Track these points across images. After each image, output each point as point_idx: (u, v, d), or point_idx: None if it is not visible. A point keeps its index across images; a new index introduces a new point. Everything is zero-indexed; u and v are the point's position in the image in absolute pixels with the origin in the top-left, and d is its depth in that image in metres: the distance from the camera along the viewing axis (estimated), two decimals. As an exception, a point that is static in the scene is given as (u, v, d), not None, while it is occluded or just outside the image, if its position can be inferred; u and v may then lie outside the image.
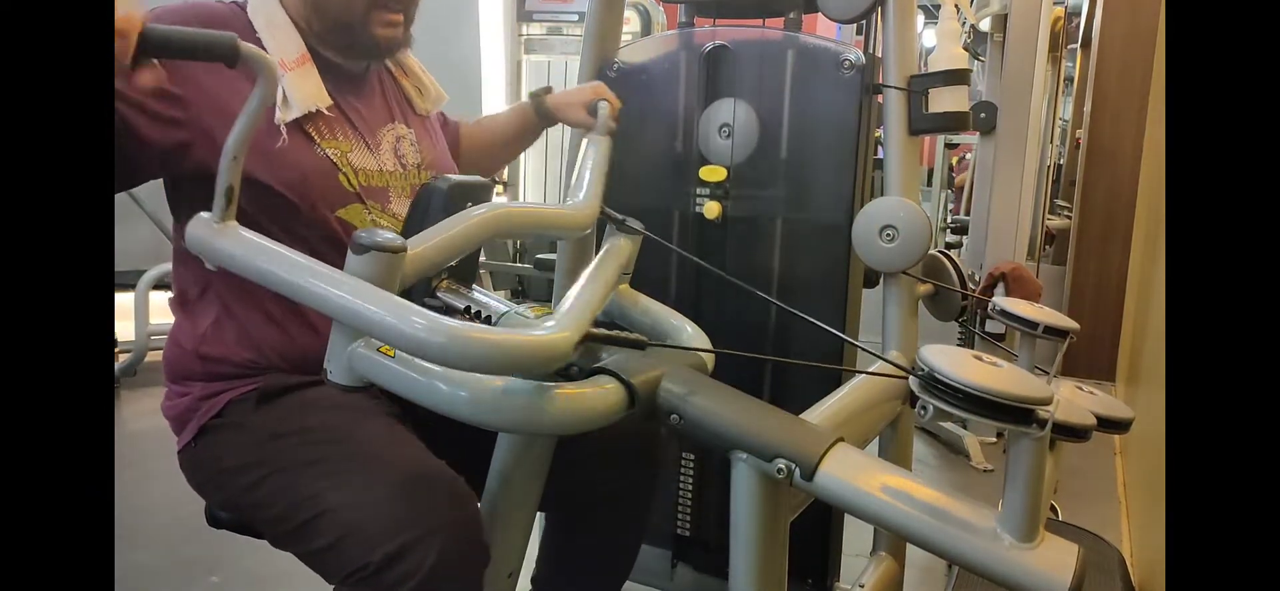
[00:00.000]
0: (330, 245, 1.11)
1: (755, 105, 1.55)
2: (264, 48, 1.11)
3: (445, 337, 0.73)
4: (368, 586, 0.93)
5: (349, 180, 1.15)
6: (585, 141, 1.31)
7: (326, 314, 0.79)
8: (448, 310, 1.01)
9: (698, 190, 1.59)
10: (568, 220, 1.12)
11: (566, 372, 0.93)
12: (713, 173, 1.57)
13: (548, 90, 1.50)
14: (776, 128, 1.54)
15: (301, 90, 1.12)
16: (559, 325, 0.80)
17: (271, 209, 1.09)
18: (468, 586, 0.97)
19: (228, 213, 0.85)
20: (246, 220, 0.89)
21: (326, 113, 1.14)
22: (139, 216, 4.21)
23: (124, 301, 3.32)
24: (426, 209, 1.03)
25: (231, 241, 0.84)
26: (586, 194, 1.15)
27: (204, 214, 0.86)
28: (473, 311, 1.01)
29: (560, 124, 1.49)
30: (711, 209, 1.56)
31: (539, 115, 1.50)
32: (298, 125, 1.13)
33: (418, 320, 0.74)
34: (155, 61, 0.82)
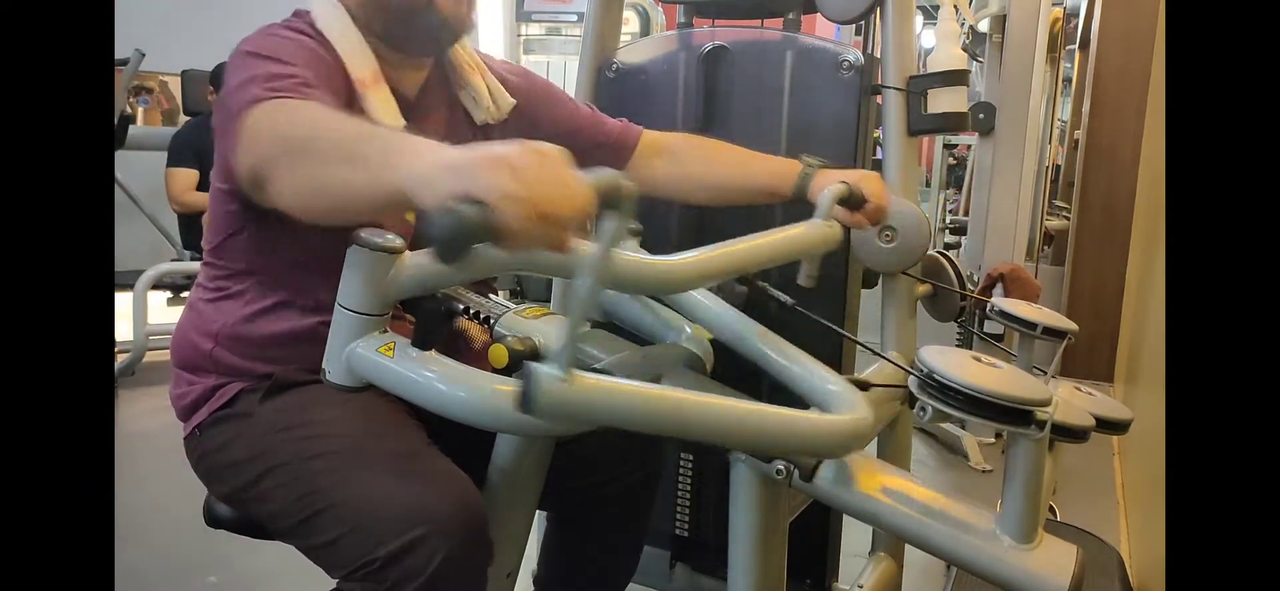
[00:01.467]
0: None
1: (754, 107, 1.55)
2: (345, 65, 1.07)
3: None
4: (372, 582, 0.93)
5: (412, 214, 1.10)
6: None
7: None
8: (449, 312, 1.01)
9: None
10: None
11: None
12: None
13: (826, 164, 1.30)
14: (775, 129, 1.54)
15: (382, 108, 1.08)
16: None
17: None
18: (473, 583, 0.97)
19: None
20: (304, 246, 0.90)
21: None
22: (138, 216, 4.22)
23: (123, 301, 3.32)
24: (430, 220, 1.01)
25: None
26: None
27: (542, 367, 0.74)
28: (472, 311, 1.02)
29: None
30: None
31: (795, 193, 1.28)
32: None
33: None
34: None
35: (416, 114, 1.16)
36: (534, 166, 0.66)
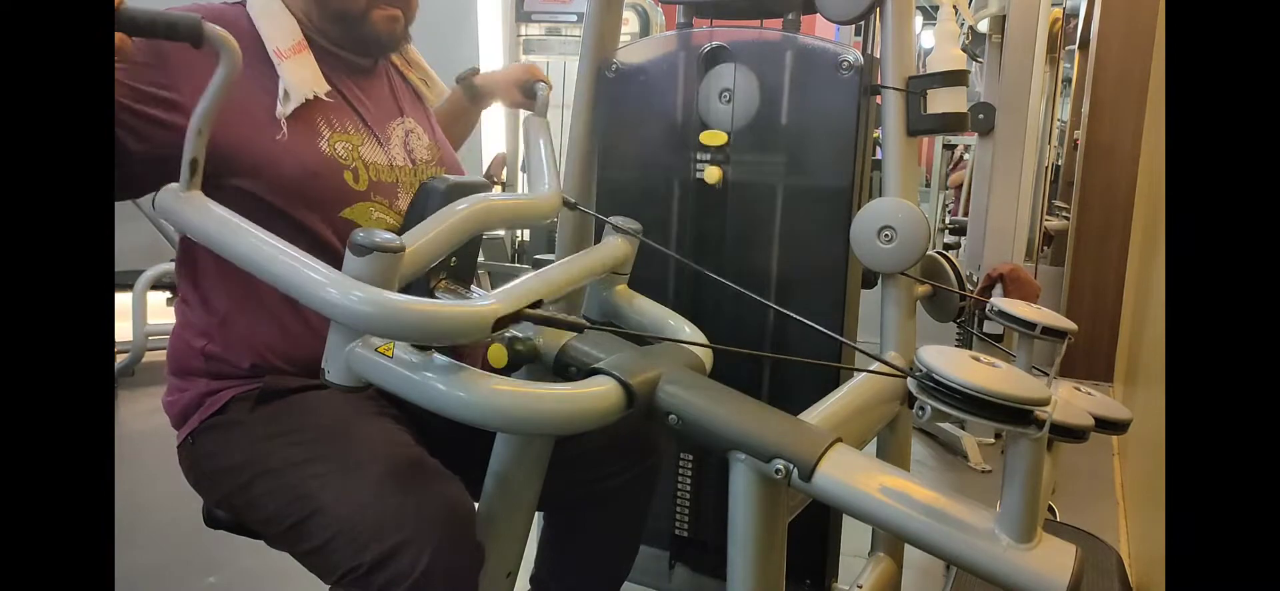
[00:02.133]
0: (331, 247, 1.11)
1: (754, 100, 1.55)
2: (262, 39, 1.12)
3: (375, 307, 0.76)
4: (360, 586, 0.93)
5: (356, 176, 1.14)
6: (525, 125, 1.29)
7: (276, 285, 0.81)
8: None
9: (696, 168, 1.59)
10: (537, 208, 1.14)
11: (565, 373, 0.93)
12: (713, 138, 1.57)
13: (475, 71, 1.50)
14: (774, 129, 1.54)
15: (298, 76, 1.12)
16: (490, 299, 0.85)
17: (270, 209, 1.08)
18: (461, 587, 0.97)
19: (193, 183, 0.88)
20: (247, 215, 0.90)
21: (328, 101, 1.14)
22: (137, 216, 4.21)
23: (122, 301, 3.32)
24: (423, 208, 1.03)
25: (195, 210, 0.87)
26: (548, 180, 1.17)
27: (172, 184, 0.89)
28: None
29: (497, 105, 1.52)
30: (712, 174, 1.57)
31: (469, 98, 1.49)
32: (303, 119, 1.12)
33: (356, 293, 0.77)
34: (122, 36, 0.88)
35: (370, 85, 1.24)
36: None
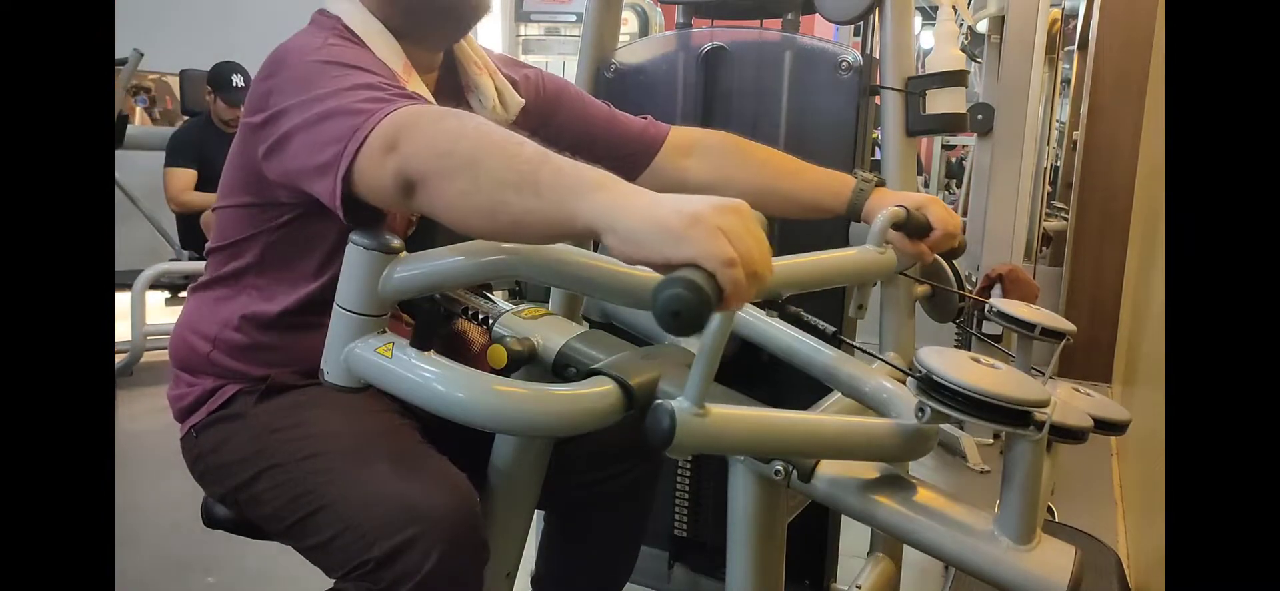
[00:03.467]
0: None
1: (753, 108, 1.55)
2: (384, 63, 1.05)
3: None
4: (368, 582, 0.93)
5: None
6: None
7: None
8: (447, 312, 1.01)
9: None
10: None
11: (564, 373, 0.93)
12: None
13: (881, 182, 1.24)
14: (774, 129, 1.54)
15: (422, 94, 1.06)
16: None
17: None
18: (469, 583, 0.97)
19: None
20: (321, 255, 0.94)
21: None
22: (136, 216, 4.22)
23: (120, 301, 3.32)
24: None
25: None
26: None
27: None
28: (470, 312, 1.02)
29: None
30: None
31: (849, 211, 1.24)
32: None
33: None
34: None
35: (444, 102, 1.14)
36: (739, 228, 0.66)
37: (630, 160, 1.30)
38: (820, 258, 1.04)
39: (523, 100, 1.22)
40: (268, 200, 1.06)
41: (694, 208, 0.66)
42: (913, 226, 1.14)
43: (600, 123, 1.31)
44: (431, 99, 1.09)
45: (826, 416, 0.80)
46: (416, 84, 1.08)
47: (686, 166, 1.31)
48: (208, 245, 1.17)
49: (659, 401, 0.71)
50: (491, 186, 0.76)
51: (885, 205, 1.16)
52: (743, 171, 1.29)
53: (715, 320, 0.70)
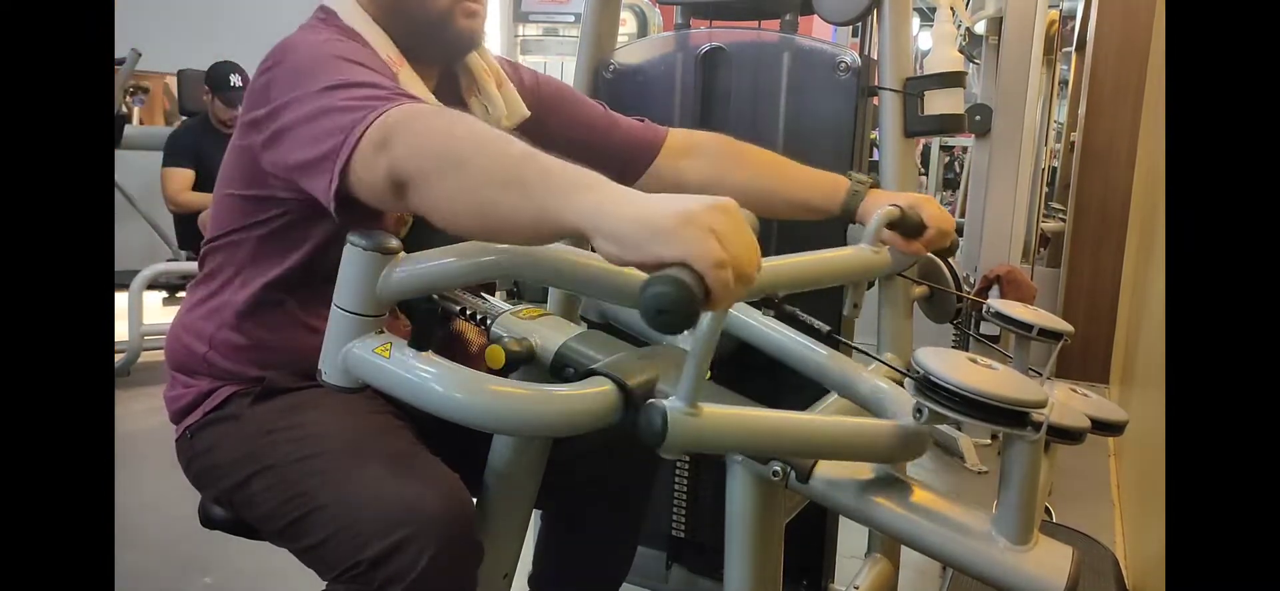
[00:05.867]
0: None
1: (751, 108, 1.55)
2: (377, 52, 1.06)
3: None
4: (360, 583, 0.93)
5: None
6: None
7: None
8: (445, 313, 1.01)
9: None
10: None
11: (562, 374, 0.93)
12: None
13: (875, 183, 1.25)
14: (772, 130, 1.54)
15: (416, 87, 1.07)
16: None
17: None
18: (462, 584, 0.97)
19: None
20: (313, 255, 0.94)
21: None
22: (134, 216, 4.21)
23: (118, 301, 3.31)
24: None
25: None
26: None
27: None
28: (468, 313, 1.01)
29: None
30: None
31: (843, 211, 1.25)
32: None
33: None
34: None
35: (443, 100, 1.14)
36: (730, 228, 0.66)
37: (629, 164, 1.30)
38: (817, 257, 1.04)
39: (529, 112, 1.22)
40: (263, 194, 1.07)
41: (685, 206, 0.66)
42: (907, 225, 1.15)
43: (598, 126, 1.31)
44: (431, 97, 1.09)
45: (820, 417, 0.80)
46: (410, 77, 1.08)
47: (683, 168, 1.32)
48: (203, 242, 1.17)
49: (651, 401, 0.71)
50: (479, 186, 0.76)
51: (879, 205, 1.17)
52: (739, 172, 1.30)
53: (706, 320, 0.70)
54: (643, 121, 1.34)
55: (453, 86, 1.20)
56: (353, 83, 0.91)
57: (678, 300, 0.61)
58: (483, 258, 0.84)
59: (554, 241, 0.79)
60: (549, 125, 1.27)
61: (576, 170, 0.74)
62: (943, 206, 1.19)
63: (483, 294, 1.08)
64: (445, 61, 1.18)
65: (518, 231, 0.77)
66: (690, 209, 0.66)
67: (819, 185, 1.27)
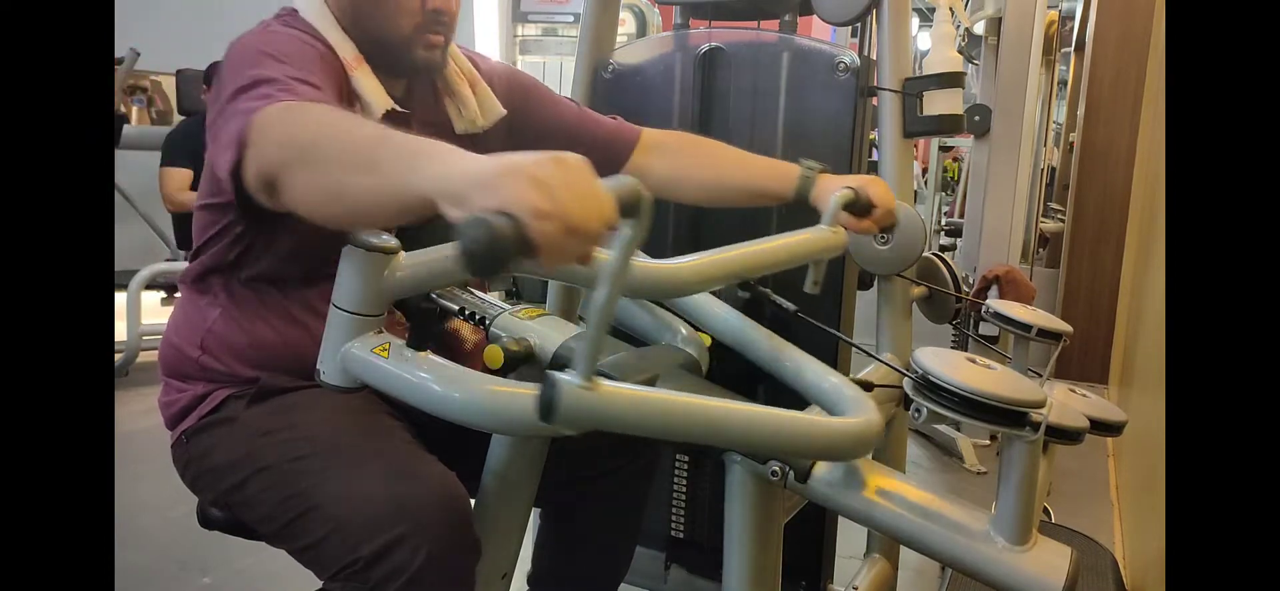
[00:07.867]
0: None
1: (750, 108, 1.55)
2: (335, 51, 1.07)
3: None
4: (357, 582, 0.93)
5: None
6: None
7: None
8: (443, 312, 1.01)
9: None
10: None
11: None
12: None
13: (824, 170, 1.28)
14: (771, 130, 1.54)
15: (369, 86, 1.08)
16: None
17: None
18: (458, 582, 0.97)
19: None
20: (293, 251, 0.92)
21: (400, 113, 1.11)
22: (132, 216, 4.21)
23: (117, 301, 3.31)
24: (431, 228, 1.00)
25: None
26: None
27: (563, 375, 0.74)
28: (467, 312, 1.01)
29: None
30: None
31: (796, 197, 1.27)
32: None
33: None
34: None
35: (396, 118, 1.14)
36: (558, 178, 0.64)
37: (603, 161, 1.30)
38: (778, 240, 1.06)
39: (505, 110, 1.23)
40: (225, 201, 1.06)
41: (512, 160, 0.65)
42: (858, 206, 1.22)
43: (570, 122, 1.33)
44: (380, 95, 1.09)
45: (736, 405, 0.76)
46: (366, 78, 1.09)
47: (649, 165, 1.34)
48: (192, 247, 1.17)
49: (549, 371, 0.70)
50: (332, 170, 0.76)
51: (831, 189, 1.21)
52: (695, 166, 1.34)
53: (601, 294, 0.69)
54: (616, 120, 1.36)
55: (424, 92, 1.20)
56: (261, 79, 0.90)
57: (483, 241, 0.60)
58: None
59: (412, 217, 0.77)
60: (520, 119, 1.28)
61: (425, 142, 0.74)
62: (887, 187, 1.25)
63: (481, 294, 1.08)
64: (410, 76, 1.19)
65: (376, 212, 0.77)
66: (516, 161, 0.65)
67: (771, 172, 1.32)
